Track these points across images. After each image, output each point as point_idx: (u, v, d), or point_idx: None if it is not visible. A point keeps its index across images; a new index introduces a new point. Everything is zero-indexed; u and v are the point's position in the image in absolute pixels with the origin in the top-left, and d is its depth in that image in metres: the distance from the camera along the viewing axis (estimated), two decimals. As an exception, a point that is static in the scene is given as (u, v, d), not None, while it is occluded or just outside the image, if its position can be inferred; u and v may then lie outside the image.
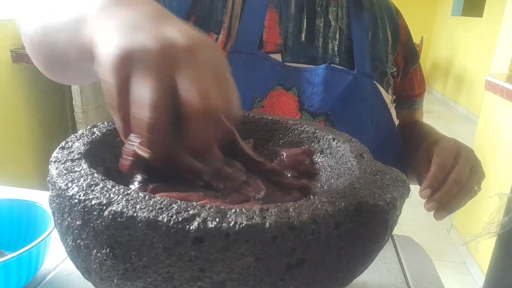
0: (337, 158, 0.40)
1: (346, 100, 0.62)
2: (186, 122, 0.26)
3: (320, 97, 0.61)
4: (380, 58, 0.69)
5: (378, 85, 0.66)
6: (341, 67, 0.64)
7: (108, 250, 0.25)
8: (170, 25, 0.29)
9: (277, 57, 0.62)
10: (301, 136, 0.45)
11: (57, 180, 0.29)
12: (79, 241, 0.27)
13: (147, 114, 0.25)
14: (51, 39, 0.41)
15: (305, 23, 0.64)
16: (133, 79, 0.26)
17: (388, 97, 0.69)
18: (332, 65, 0.63)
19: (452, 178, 0.52)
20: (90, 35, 0.31)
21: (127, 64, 0.26)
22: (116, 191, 0.27)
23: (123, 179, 0.37)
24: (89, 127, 0.39)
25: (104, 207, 0.25)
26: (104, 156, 0.37)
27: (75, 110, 1.90)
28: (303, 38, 0.64)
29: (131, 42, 0.27)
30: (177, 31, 0.28)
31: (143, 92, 0.25)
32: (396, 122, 0.72)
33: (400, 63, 0.73)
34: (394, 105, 0.72)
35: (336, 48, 0.65)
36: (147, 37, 0.27)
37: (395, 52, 0.72)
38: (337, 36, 0.66)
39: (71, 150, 0.34)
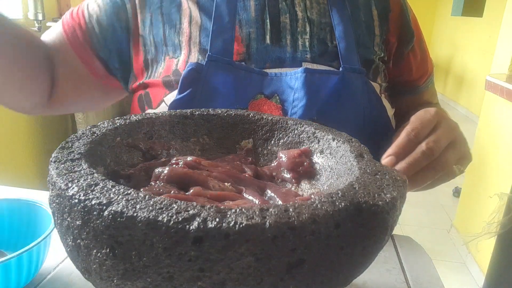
0: (337, 158, 0.40)
1: (334, 102, 0.58)
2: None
3: (303, 102, 0.56)
4: (363, 44, 0.63)
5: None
6: (323, 68, 0.59)
7: (108, 250, 0.26)
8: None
9: None
10: (301, 136, 0.45)
11: (57, 180, 0.29)
12: (79, 241, 0.27)
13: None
14: None
15: (268, 23, 0.60)
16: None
17: (376, 87, 0.62)
18: (312, 65, 0.59)
19: (421, 148, 0.44)
20: None
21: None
22: (116, 191, 0.27)
23: (130, 182, 0.37)
24: (89, 127, 0.39)
25: (104, 207, 0.25)
26: (104, 156, 0.37)
27: (75, 110, 1.90)
28: (268, 40, 0.60)
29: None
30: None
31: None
32: (392, 111, 0.65)
33: (393, 45, 0.67)
34: (385, 94, 0.65)
35: (307, 43, 0.60)
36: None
37: (384, 32, 0.65)
38: (307, 29, 0.61)
39: (71, 150, 0.34)
